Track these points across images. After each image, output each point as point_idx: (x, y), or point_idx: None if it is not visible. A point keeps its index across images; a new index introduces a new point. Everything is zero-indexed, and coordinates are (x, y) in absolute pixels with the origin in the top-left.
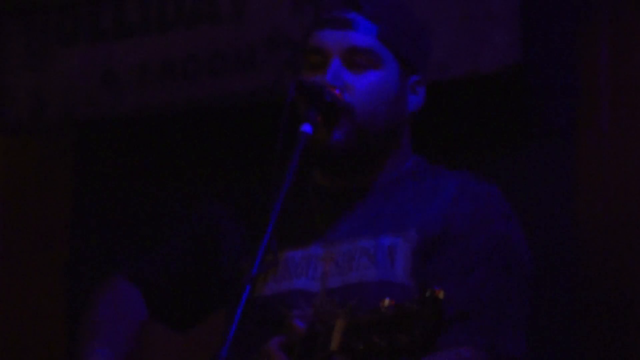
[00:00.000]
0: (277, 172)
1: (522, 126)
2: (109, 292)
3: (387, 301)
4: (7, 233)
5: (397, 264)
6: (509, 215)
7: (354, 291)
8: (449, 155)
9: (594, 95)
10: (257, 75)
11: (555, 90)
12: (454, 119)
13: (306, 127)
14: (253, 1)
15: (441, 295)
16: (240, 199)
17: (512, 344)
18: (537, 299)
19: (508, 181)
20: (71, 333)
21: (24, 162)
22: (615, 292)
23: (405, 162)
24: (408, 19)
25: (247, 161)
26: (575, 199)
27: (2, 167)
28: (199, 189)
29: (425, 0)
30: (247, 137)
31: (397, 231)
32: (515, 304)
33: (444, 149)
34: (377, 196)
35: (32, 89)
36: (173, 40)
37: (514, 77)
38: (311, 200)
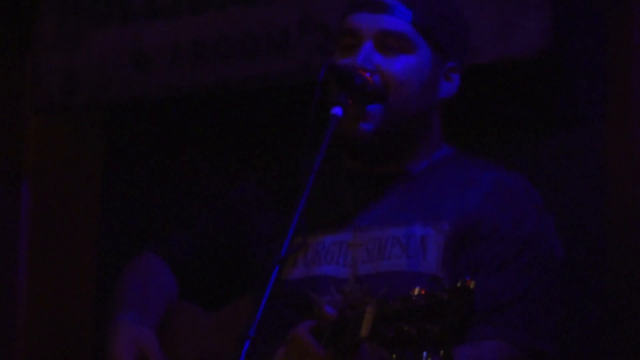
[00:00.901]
0: (308, 154)
1: (551, 112)
2: (140, 266)
3: (417, 290)
4: (37, 211)
5: (429, 254)
6: (542, 210)
7: (385, 280)
8: (478, 140)
9: (625, 82)
10: (289, 57)
11: (585, 76)
12: (483, 104)
13: (337, 110)
14: None
15: (472, 285)
16: (270, 181)
17: (544, 339)
18: (566, 291)
19: (537, 167)
20: (100, 310)
21: (55, 141)
22: None
23: (437, 150)
24: (445, 5)
25: (278, 143)
26: (605, 186)
27: (33, 145)
28: (229, 171)
29: None
30: (278, 119)
31: (430, 221)
32: (547, 299)
33: (473, 135)
34: (409, 184)
35: (64, 68)
36: (204, 21)
37: (544, 63)
38: (342, 184)
